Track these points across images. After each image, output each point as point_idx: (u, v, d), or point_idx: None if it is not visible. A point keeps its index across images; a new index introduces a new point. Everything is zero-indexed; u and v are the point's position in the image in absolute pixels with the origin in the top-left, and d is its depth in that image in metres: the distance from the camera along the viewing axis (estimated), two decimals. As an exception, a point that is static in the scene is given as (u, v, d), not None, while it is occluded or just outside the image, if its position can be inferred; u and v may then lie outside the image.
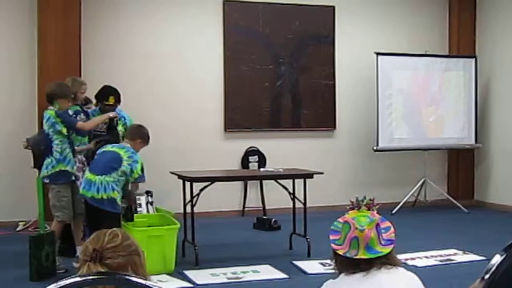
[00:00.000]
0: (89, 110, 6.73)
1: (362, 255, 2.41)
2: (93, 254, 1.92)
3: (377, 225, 2.47)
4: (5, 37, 7.92)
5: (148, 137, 5.83)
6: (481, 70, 9.56)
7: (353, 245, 2.42)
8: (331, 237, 2.50)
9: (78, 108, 6.39)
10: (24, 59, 7.89)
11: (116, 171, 5.47)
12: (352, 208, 2.54)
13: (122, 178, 5.52)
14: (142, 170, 5.77)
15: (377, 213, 2.53)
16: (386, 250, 2.44)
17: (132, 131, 5.87)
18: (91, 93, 6.92)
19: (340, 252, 2.44)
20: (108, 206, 5.44)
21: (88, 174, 5.55)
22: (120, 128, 6.66)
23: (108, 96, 6.66)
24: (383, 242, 2.45)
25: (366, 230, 2.43)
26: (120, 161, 5.50)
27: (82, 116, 6.39)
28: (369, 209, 2.52)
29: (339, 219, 2.54)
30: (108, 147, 5.67)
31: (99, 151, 5.76)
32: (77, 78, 6.68)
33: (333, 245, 2.47)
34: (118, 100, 6.70)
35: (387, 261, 2.44)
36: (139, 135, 5.77)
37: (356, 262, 2.42)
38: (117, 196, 5.50)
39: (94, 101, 6.97)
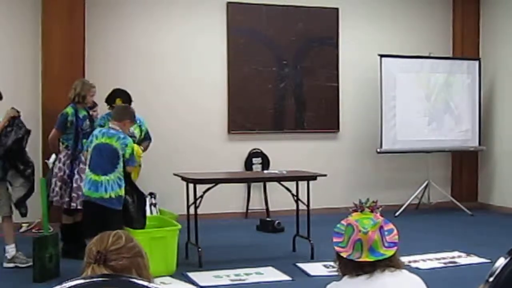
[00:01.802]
0: (94, 114, 6.75)
1: (366, 257, 2.41)
2: (97, 256, 1.92)
3: (381, 227, 2.47)
4: (9, 39, 7.93)
5: (134, 115, 5.76)
6: (485, 72, 9.55)
7: (356, 248, 2.42)
8: (334, 240, 2.50)
9: (85, 113, 6.40)
10: (28, 61, 7.89)
11: (118, 165, 5.41)
12: (355, 210, 2.54)
13: (122, 166, 5.46)
14: (132, 154, 5.57)
15: (380, 215, 2.53)
16: (389, 252, 2.44)
17: (120, 113, 5.68)
18: (96, 95, 6.94)
19: (344, 255, 2.43)
20: (116, 204, 5.42)
21: (91, 175, 5.44)
22: (137, 131, 6.67)
23: (115, 98, 6.68)
24: (386, 244, 2.45)
25: (370, 232, 2.43)
26: (117, 154, 5.41)
27: (87, 122, 6.40)
28: (372, 211, 2.52)
29: (342, 222, 2.54)
30: (100, 139, 5.45)
31: (91, 147, 5.52)
32: (86, 80, 6.66)
33: (336, 248, 2.47)
34: (127, 102, 6.70)
35: (391, 263, 2.44)
36: (128, 116, 5.64)
37: (359, 264, 2.41)
38: (123, 192, 5.46)
39: (99, 104, 6.98)
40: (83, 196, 5.61)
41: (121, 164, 5.42)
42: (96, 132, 5.62)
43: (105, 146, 5.43)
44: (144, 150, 6.82)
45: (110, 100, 6.82)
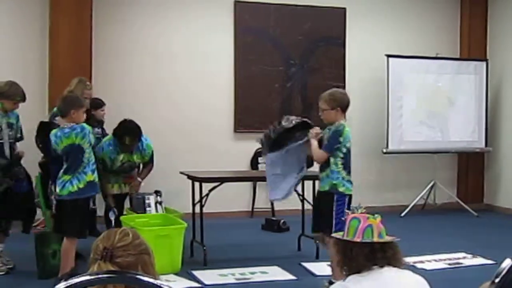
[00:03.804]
0: (102, 113, 6.66)
1: (377, 239, 2.50)
2: (104, 252, 1.93)
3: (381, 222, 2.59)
4: (16, 36, 7.95)
5: (77, 102, 5.20)
6: (492, 73, 9.53)
7: (366, 234, 2.50)
8: (340, 237, 2.56)
9: None
10: (36, 58, 7.91)
11: (84, 157, 5.11)
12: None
13: (90, 153, 5.17)
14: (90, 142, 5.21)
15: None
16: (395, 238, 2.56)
17: (62, 109, 5.17)
18: (101, 93, 6.92)
19: (358, 240, 2.49)
20: (86, 192, 5.15)
21: (63, 176, 5.12)
22: (136, 157, 6.34)
23: (124, 136, 6.12)
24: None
25: (378, 220, 2.55)
26: (81, 149, 5.08)
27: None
28: None
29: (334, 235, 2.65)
30: (62, 144, 5.11)
31: (60, 150, 5.17)
32: (84, 80, 6.28)
33: (348, 239, 2.52)
34: (137, 139, 6.17)
35: (399, 258, 2.51)
36: (69, 106, 5.13)
37: (373, 254, 2.46)
38: (92, 177, 5.14)
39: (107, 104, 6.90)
40: (57, 196, 5.28)
41: (87, 155, 5.11)
42: (53, 138, 5.20)
43: (68, 147, 5.11)
44: (144, 177, 6.50)
45: (117, 134, 6.17)
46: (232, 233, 7.72)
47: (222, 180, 6.36)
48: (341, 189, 5.00)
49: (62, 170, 5.17)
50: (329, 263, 5.85)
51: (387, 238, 2.52)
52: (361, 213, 2.60)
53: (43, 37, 7.88)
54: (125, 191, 6.50)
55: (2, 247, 5.80)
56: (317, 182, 6.51)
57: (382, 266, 2.46)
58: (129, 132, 6.14)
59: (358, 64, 9.32)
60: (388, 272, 2.44)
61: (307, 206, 6.52)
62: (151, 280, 1.55)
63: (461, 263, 6.17)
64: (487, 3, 9.84)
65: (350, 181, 5.12)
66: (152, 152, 6.42)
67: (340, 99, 5.18)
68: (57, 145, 5.15)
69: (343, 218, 4.78)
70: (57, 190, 5.22)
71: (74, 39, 7.75)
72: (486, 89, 9.44)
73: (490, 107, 9.56)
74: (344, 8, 9.29)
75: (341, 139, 5.06)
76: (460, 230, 8.13)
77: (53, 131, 5.25)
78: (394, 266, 2.47)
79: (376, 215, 2.57)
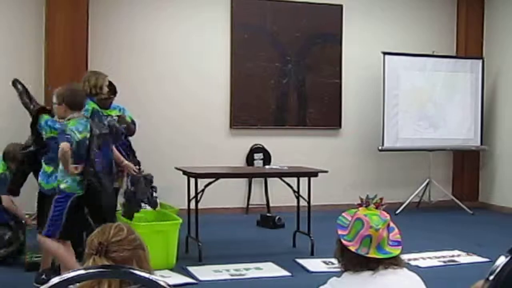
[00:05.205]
0: None
1: (373, 254, 2.39)
2: (99, 247, 1.93)
3: (388, 225, 2.46)
4: (12, 31, 7.93)
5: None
6: (488, 71, 9.54)
7: (364, 243, 2.40)
8: (340, 232, 2.47)
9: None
10: (32, 55, 7.89)
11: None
12: (360, 205, 2.52)
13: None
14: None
15: (386, 212, 2.51)
16: (396, 251, 2.44)
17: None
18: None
19: (352, 249, 2.41)
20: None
21: (46, 167, 4.99)
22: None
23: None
24: (390, 243, 2.44)
25: (381, 230, 2.41)
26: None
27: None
28: (377, 208, 2.50)
29: (345, 215, 2.51)
30: (49, 133, 5.04)
31: (45, 139, 5.10)
32: (97, 71, 6.12)
33: (343, 241, 2.44)
34: (113, 92, 6.37)
35: (395, 261, 2.44)
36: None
37: (366, 260, 2.40)
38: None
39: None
40: (40, 188, 5.13)
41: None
42: (43, 123, 5.10)
43: (52, 139, 5.01)
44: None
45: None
46: (227, 229, 7.72)
47: (217, 176, 6.37)
48: (62, 186, 4.66)
49: (44, 160, 5.03)
50: (324, 259, 5.88)
51: (387, 249, 2.42)
52: (376, 202, 2.51)
53: (39, 34, 7.85)
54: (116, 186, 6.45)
55: None
56: (312, 179, 6.56)
57: (377, 268, 2.41)
58: (108, 86, 6.25)
59: (354, 61, 9.33)
60: (387, 271, 2.40)
61: (303, 203, 6.53)
62: (145, 275, 1.55)
63: (456, 261, 6.18)
64: (484, 1, 9.84)
65: (73, 179, 4.68)
66: (131, 117, 6.34)
67: (69, 96, 4.80)
68: (45, 132, 5.04)
69: (57, 219, 4.56)
70: (40, 180, 5.05)
71: (70, 36, 7.73)
72: (482, 87, 9.45)
73: (486, 105, 9.57)
74: (341, 5, 9.28)
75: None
76: (455, 228, 8.14)
77: (47, 117, 5.11)
78: (394, 265, 2.43)
79: (384, 219, 2.43)
